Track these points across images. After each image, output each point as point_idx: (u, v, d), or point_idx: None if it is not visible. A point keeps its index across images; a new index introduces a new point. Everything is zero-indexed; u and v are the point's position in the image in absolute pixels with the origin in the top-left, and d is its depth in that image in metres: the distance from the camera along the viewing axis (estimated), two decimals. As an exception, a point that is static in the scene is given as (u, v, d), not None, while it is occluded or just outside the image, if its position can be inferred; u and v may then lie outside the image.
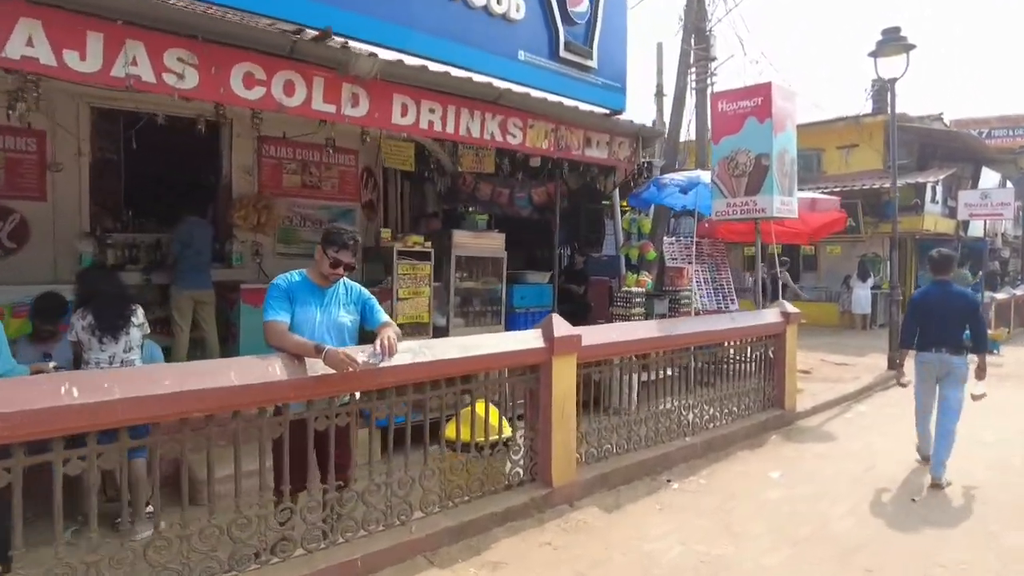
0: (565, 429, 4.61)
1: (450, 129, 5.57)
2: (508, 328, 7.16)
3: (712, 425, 6.17)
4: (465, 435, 4.39)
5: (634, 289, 8.39)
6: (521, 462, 4.59)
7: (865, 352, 12.82)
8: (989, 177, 18.09)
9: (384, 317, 3.84)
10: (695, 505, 4.82)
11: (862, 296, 15.88)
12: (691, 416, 5.95)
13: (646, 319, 8.73)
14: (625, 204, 10.49)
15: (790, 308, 7.04)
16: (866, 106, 17.74)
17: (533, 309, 7.51)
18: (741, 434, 6.38)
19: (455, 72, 5.43)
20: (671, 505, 4.82)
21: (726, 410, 6.36)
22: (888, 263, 10.84)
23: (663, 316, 9.08)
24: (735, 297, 11.91)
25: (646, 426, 5.51)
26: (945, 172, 16.25)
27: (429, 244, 6.29)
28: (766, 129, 6.87)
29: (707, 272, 11.62)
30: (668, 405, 5.83)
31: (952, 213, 17.95)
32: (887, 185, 15.90)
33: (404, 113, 5.26)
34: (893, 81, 10.39)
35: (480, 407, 4.46)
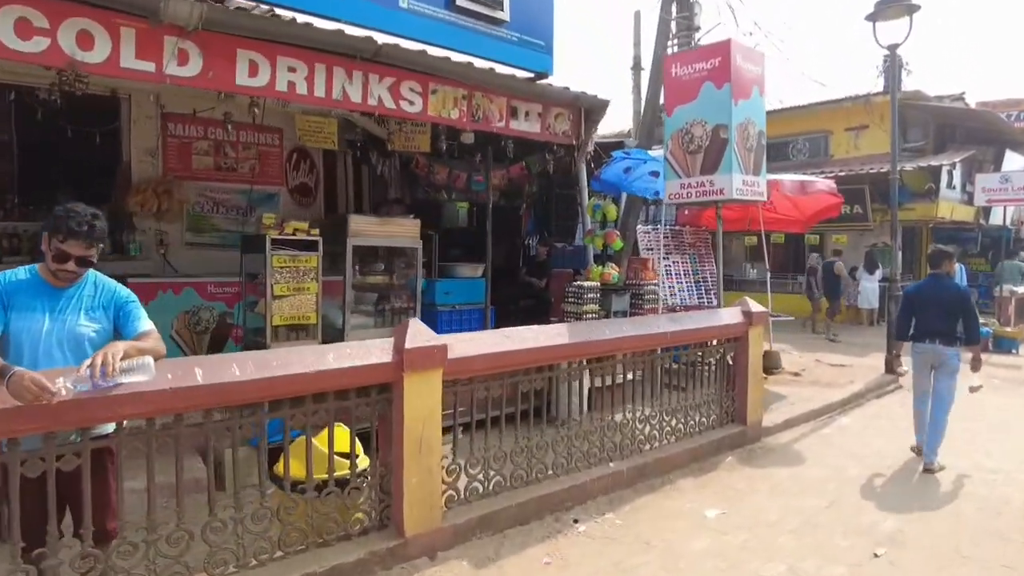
0: (424, 463, 3.63)
1: (319, 92, 4.59)
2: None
3: (649, 446, 5.14)
4: (297, 471, 3.45)
5: (586, 284, 7.35)
6: (365, 505, 3.63)
7: (867, 351, 11.60)
8: (1014, 161, 16.58)
9: (144, 326, 2.89)
10: (594, 558, 3.81)
11: (869, 290, 14.59)
12: (618, 437, 4.93)
13: (602, 316, 7.72)
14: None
15: (754, 306, 5.96)
16: (877, 84, 16.35)
17: (462, 307, 6.53)
18: (686, 457, 5.34)
19: (322, 23, 4.44)
20: (565, 558, 3.81)
21: (668, 428, 5.33)
22: (892, 253, 9.59)
23: (623, 313, 8.04)
24: (719, 291, 10.80)
25: (554, 451, 4.50)
26: (963, 154, 14.85)
27: (316, 231, 5.33)
28: (724, 95, 5.77)
29: (688, 264, 10.53)
30: (588, 424, 4.82)
31: (971, 200, 16.51)
32: (900, 167, 14.58)
33: (253, 72, 4.29)
34: (894, 47, 9.16)
35: (322, 438, 3.52)
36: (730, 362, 6.00)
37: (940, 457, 5.42)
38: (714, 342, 5.86)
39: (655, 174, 8.63)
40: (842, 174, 14.59)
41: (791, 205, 10.81)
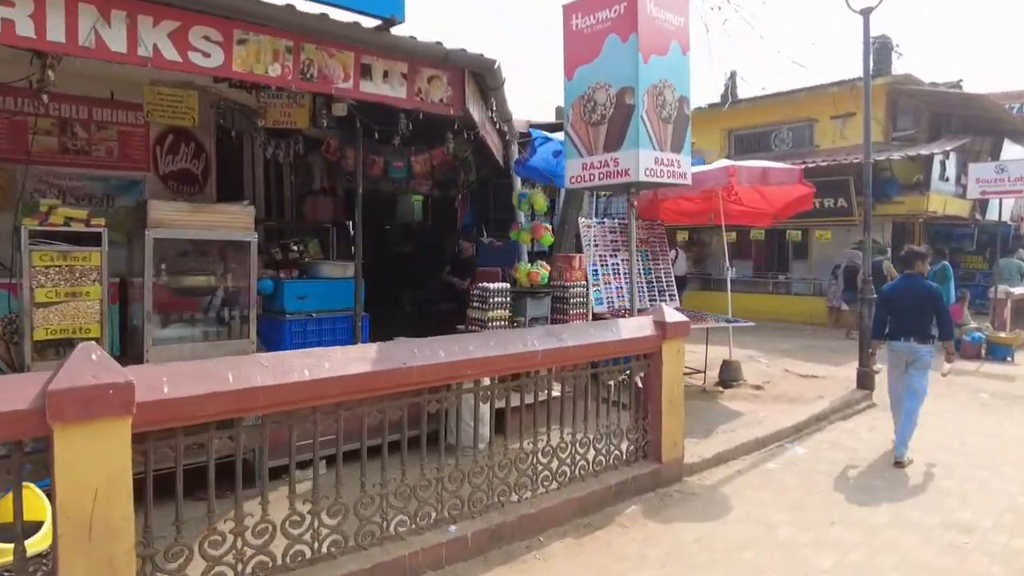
0: (98, 551, 2.44)
1: (55, 36, 3.39)
2: (268, 344, 5.00)
3: (516, 497, 3.93)
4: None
5: (492, 285, 6.14)
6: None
7: (845, 359, 10.31)
8: (1013, 152, 15.20)
9: None
10: None
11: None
12: (466, 490, 3.71)
13: (515, 324, 6.50)
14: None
15: (671, 315, 4.72)
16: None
17: (323, 314, 5.32)
18: (569, 509, 4.11)
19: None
20: None
21: (545, 472, 4.11)
22: (865, 251, 8.32)
23: (543, 320, 6.82)
24: (676, 293, 9.57)
25: (356, 516, 3.29)
26: (956, 143, 13.51)
27: (101, 221, 4.14)
28: (630, 50, 4.52)
29: (640, 262, 9.28)
30: (416, 477, 3.60)
31: (966, 192, 15.17)
32: (887, 156, 13.26)
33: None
34: (867, 12, 7.86)
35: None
36: (639, 384, 4.78)
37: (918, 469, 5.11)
38: (602, 361, 4.64)
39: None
40: (823, 164, 13.29)
41: (758, 196, 9.55)
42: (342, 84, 4.48)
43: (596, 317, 9.51)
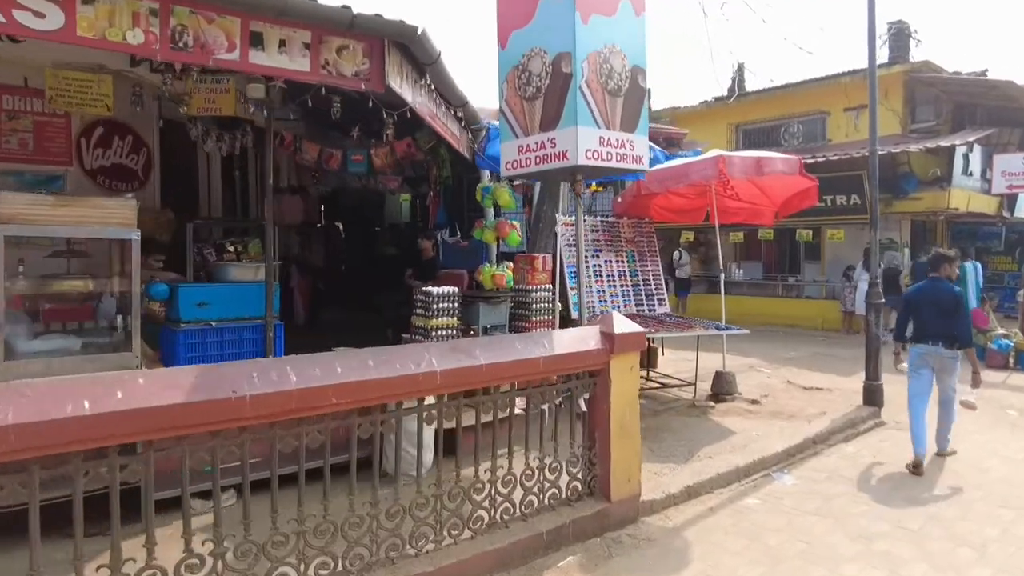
0: None
1: None
2: (168, 359, 4.32)
3: (413, 550, 3.16)
4: None
5: (436, 289, 5.39)
6: None
7: (855, 369, 9.37)
8: (1043, 143, 14.08)
9: None
10: None
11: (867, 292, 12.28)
12: (340, 545, 2.95)
13: (465, 333, 5.74)
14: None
15: (621, 325, 3.92)
16: (880, 55, 13.95)
17: (228, 323, 4.61)
18: (484, 565, 3.33)
19: None
20: None
21: (454, 519, 3.33)
22: (872, 251, 7.41)
23: (500, 328, 6.06)
24: (665, 297, 8.73)
25: (266, 557, 2.56)
26: (979, 133, 12.46)
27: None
28: (565, 8, 3.74)
29: (625, 263, 8.47)
30: (289, 525, 2.86)
31: (991, 187, 14.06)
32: (903, 149, 12.24)
33: None
34: (873, -19, 6.99)
35: None
36: (582, 408, 3.99)
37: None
38: (531, 382, 3.85)
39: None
40: (834, 158, 12.33)
41: (757, 191, 8.68)
42: (225, 55, 3.77)
43: (569, 324, 8.74)
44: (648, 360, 9.00)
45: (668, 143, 9.42)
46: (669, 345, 10.32)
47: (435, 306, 5.32)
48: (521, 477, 3.62)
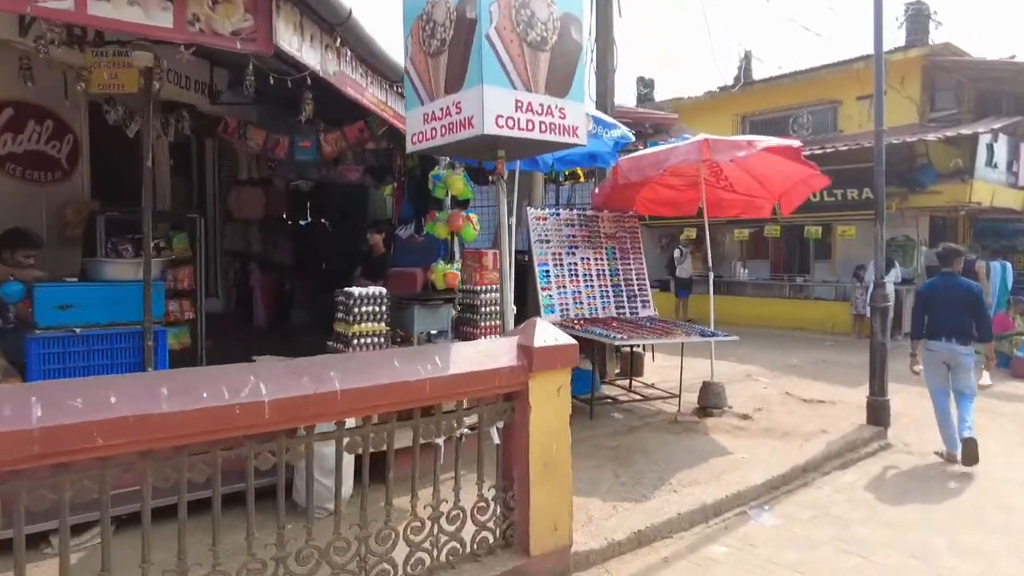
0: None
1: None
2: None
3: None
4: None
5: (358, 291, 4.62)
6: None
7: (864, 379, 8.43)
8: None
9: None
10: None
11: (879, 294, 11.30)
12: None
13: (397, 342, 4.98)
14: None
15: (544, 336, 3.12)
16: (897, 38, 12.95)
17: (97, 328, 3.87)
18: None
19: None
20: None
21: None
22: (877, 248, 6.49)
23: (444, 335, 5.28)
24: (649, 299, 7.87)
25: None
26: (1003, 121, 11.42)
27: None
28: (470, -63, 2.96)
29: (605, 261, 7.64)
30: None
31: (1018, 180, 12.99)
32: (919, 138, 11.24)
33: None
34: (880, -62, 6.08)
35: None
36: (497, 440, 3.19)
37: None
38: (417, 407, 3.06)
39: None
40: (844, 148, 11.36)
41: (753, 182, 7.80)
42: (52, 3, 3.03)
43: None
44: (631, 368, 8.18)
45: (656, 129, 8.57)
46: (661, 350, 9.49)
47: (357, 310, 4.56)
48: (406, 531, 2.83)
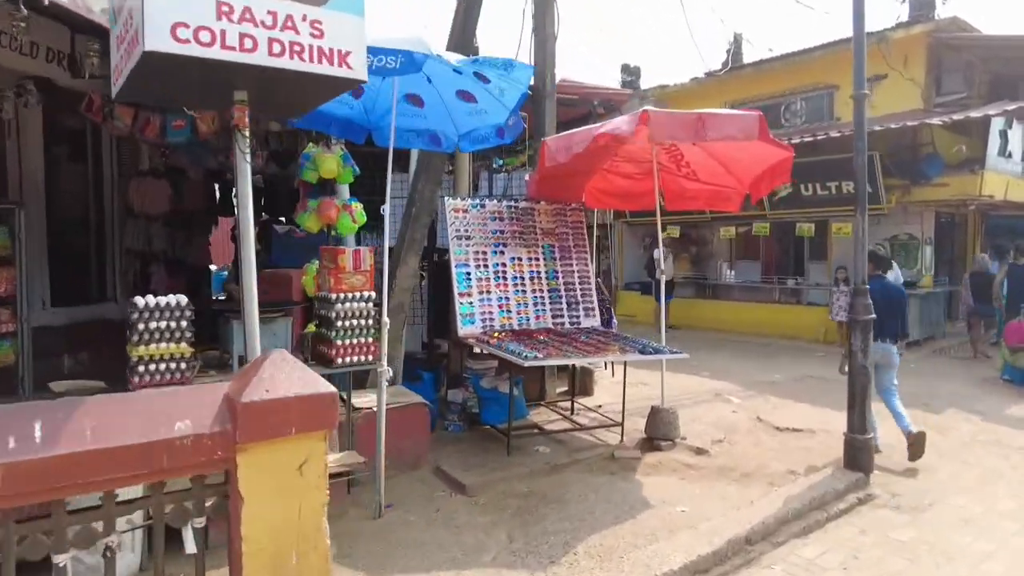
0: None
1: None
2: None
3: None
4: None
5: (146, 300, 3.44)
6: None
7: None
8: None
9: None
10: None
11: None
12: None
13: (220, 369, 3.80)
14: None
15: (274, 385, 1.92)
16: (901, 12, 11.60)
17: None
18: None
19: None
20: None
21: None
22: (857, 245, 5.16)
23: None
24: (596, 306, 6.64)
25: None
26: (1018, 104, 10.08)
27: None
28: None
29: (542, 262, 6.43)
30: None
31: (1037, 173, 11.61)
32: (923, 122, 9.91)
33: None
34: None
35: None
36: (191, 547, 1.99)
37: None
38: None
39: (465, 95, 4.59)
40: (837, 135, 10.07)
41: (719, 168, 6.54)
42: None
43: (450, 347, 6.75)
44: (575, 388, 6.96)
45: (607, 108, 7.33)
46: (634, 364, 8.27)
47: (144, 326, 3.38)
48: None
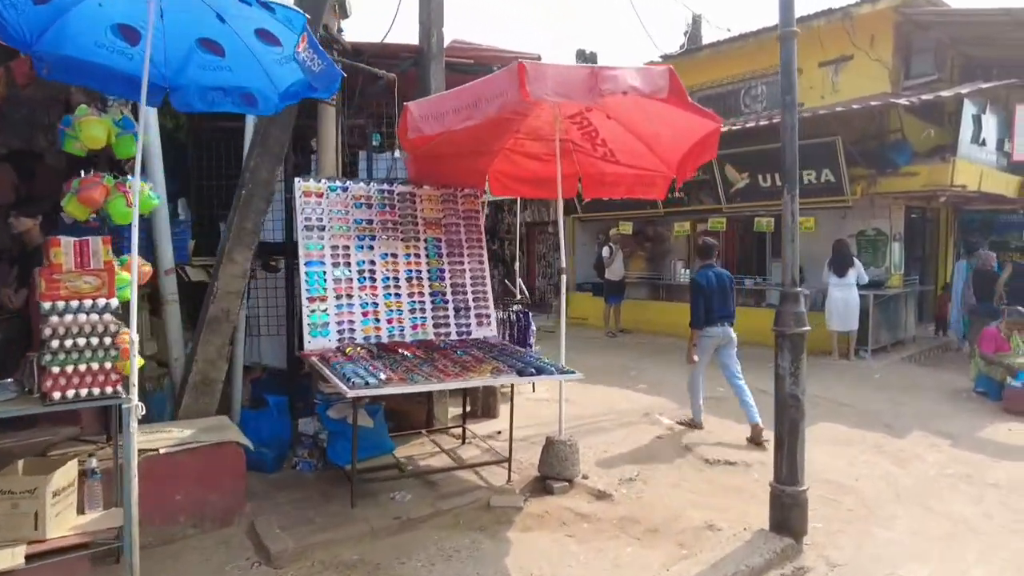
0: None
1: None
2: None
3: None
4: None
5: None
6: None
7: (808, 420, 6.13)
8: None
9: None
10: None
11: (838, 300, 8.95)
12: None
13: None
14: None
15: None
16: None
17: None
18: None
19: None
20: None
21: None
22: (787, 244, 4.02)
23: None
24: (490, 311, 5.51)
25: None
26: (990, 84, 9.10)
27: None
28: None
29: (424, 259, 5.28)
30: None
31: (1014, 166, 10.66)
32: (890, 101, 8.88)
33: None
34: None
35: None
36: None
37: None
38: None
39: (267, 36, 3.36)
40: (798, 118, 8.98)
41: (642, 147, 5.39)
42: None
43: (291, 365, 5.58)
44: (477, 409, 5.82)
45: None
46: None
47: None
48: None
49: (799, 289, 3.56)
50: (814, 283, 9.71)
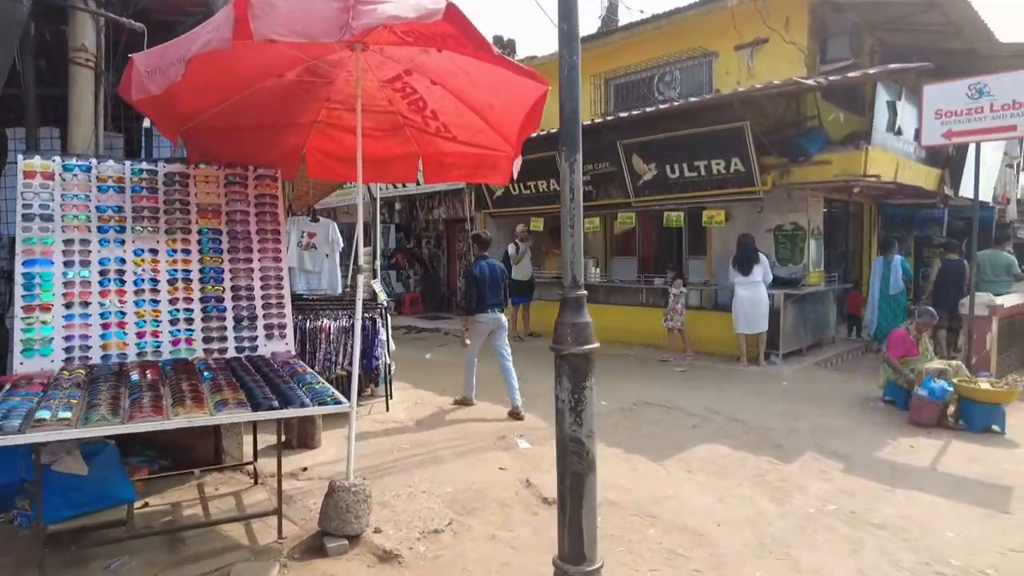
0: None
1: None
2: None
3: None
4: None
5: None
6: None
7: (689, 442, 5.27)
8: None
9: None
10: None
11: (745, 300, 8.21)
12: None
13: None
14: None
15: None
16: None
17: None
18: None
19: None
20: None
21: None
22: (567, 236, 3.19)
23: None
24: (286, 321, 4.51)
25: None
26: (902, 65, 8.50)
27: None
28: None
29: (195, 257, 4.23)
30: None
31: (932, 158, 10.14)
32: (794, 80, 8.15)
33: None
34: None
35: None
36: None
37: None
38: None
39: None
40: (695, 100, 8.23)
41: (478, 122, 4.44)
42: None
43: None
44: (281, 440, 4.80)
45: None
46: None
47: None
48: None
49: (582, 292, 2.64)
50: (726, 282, 8.97)
